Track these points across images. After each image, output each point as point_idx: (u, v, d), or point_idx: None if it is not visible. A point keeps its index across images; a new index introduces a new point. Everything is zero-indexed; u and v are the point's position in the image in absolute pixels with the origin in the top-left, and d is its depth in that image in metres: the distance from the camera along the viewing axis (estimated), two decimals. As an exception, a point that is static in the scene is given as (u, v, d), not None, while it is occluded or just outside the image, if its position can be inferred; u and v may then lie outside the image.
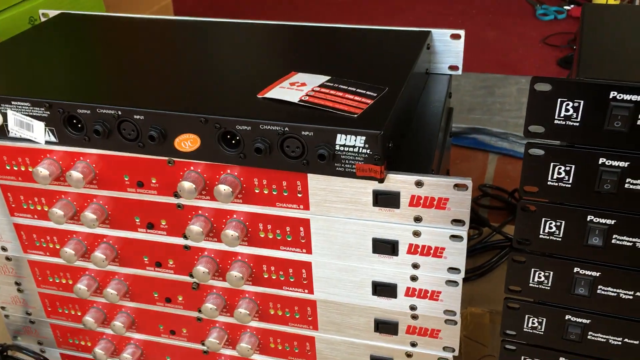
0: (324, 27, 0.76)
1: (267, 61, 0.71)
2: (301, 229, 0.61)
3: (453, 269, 0.59)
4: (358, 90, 0.60)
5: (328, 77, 0.62)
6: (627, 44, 0.58)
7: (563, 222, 0.54)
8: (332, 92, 0.60)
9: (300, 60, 0.70)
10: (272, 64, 0.70)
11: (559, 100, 0.49)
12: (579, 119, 0.49)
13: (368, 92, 0.59)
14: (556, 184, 0.52)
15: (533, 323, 0.60)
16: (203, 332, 0.71)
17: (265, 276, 0.65)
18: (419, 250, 0.59)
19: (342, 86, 0.61)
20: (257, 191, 0.60)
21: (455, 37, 0.74)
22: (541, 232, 0.55)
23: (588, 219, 0.53)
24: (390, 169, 0.56)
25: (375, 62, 0.68)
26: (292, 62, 0.69)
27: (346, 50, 0.72)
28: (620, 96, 0.47)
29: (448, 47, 0.75)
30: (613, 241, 0.53)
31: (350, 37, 0.75)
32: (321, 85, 0.61)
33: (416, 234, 0.58)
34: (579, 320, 0.58)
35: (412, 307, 0.62)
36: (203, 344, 0.71)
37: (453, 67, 0.76)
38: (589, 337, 0.59)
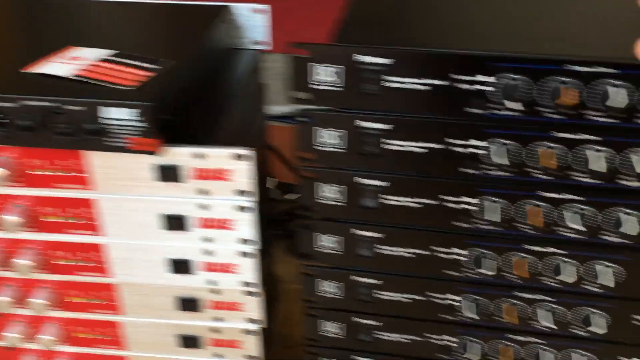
0: (116, 2, 0.74)
1: (45, 36, 0.67)
2: (89, 209, 0.59)
3: (246, 240, 0.59)
4: (140, 64, 0.58)
5: (110, 51, 0.60)
6: (391, 10, 0.60)
7: (340, 186, 0.56)
8: (112, 66, 0.58)
9: (83, 34, 0.67)
10: (50, 38, 0.66)
11: (319, 65, 0.50)
12: (339, 84, 0.50)
13: (150, 66, 0.58)
14: (329, 149, 0.54)
15: (328, 287, 0.62)
16: (1, 327, 0.67)
17: (60, 262, 0.62)
18: (209, 223, 0.58)
19: (123, 60, 0.59)
20: (36, 173, 0.57)
21: (260, 11, 0.74)
22: (322, 198, 0.57)
23: (359, 181, 0.55)
24: (175, 142, 0.55)
25: (165, 36, 0.66)
26: (73, 36, 0.65)
27: (136, 24, 0.70)
28: (368, 59, 0.48)
29: (253, 23, 0.74)
30: (385, 202, 0.56)
31: (142, 11, 0.73)
32: (100, 59, 0.58)
33: (203, 207, 0.57)
34: (367, 280, 0.61)
35: (211, 282, 0.62)
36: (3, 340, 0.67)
37: (260, 43, 0.76)
38: (378, 296, 0.61)
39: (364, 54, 0.48)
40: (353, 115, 0.52)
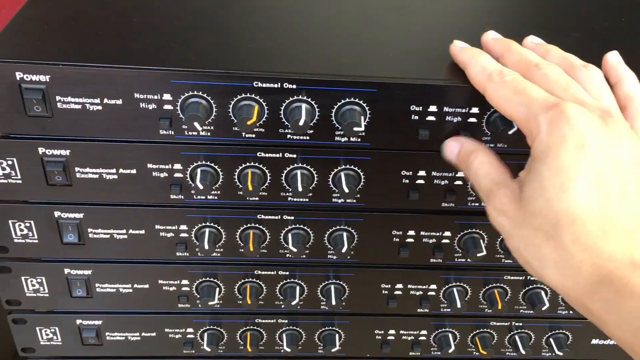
0: None
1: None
2: None
3: None
4: None
5: None
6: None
7: (31, 222, 0.47)
8: None
9: None
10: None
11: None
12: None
13: None
14: (6, 181, 0.44)
15: (47, 334, 0.53)
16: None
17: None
18: None
19: None
20: None
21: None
22: (15, 236, 0.48)
23: (56, 215, 0.47)
24: None
25: None
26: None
27: None
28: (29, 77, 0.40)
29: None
30: (91, 235, 0.48)
31: None
32: None
33: None
34: (93, 322, 0.53)
35: None
36: None
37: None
38: (107, 338, 0.54)
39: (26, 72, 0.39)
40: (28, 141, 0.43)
